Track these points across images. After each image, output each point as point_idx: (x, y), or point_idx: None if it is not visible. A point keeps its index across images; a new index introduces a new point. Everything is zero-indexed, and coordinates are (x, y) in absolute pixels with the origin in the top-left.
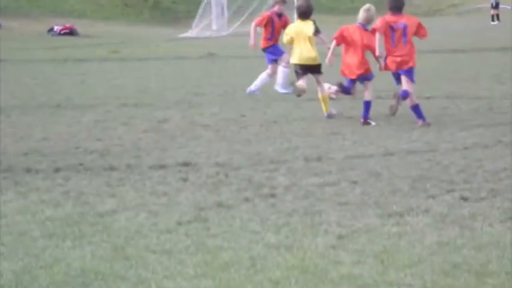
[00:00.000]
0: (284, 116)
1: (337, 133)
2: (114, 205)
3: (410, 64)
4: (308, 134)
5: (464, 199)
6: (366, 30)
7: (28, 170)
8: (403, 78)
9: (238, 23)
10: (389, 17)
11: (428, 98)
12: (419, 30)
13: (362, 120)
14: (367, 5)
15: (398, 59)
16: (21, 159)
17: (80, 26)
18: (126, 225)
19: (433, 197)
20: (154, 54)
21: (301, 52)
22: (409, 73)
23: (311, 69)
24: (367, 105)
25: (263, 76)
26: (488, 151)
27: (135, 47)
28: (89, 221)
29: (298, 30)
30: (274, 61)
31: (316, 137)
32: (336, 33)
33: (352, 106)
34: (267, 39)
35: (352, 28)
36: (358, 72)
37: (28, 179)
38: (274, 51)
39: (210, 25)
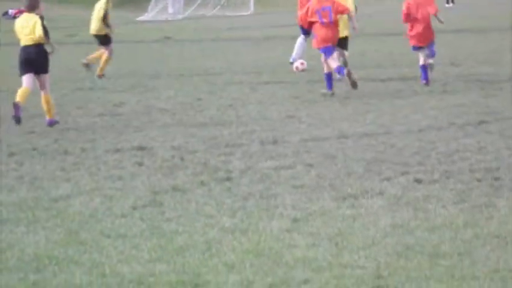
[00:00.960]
0: (240, 99)
1: (293, 116)
2: (69, 190)
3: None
4: (264, 117)
5: (418, 181)
6: None
7: None
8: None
9: (195, 6)
10: None
11: (383, 80)
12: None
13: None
14: None
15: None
16: None
17: None
18: (81, 209)
19: (387, 179)
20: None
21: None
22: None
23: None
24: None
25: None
26: (441, 133)
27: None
28: (43, 205)
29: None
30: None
31: (272, 121)
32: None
33: (309, 89)
34: None
35: None
36: None
37: None
38: None
39: (166, 8)
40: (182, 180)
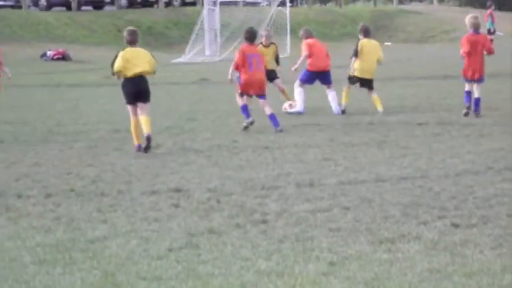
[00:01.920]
0: (276, 141)
1: (329, 159)
2: (105, 231)
3: None
4: (300, 160)
5: (456, 226)
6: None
7: (19, 196)
8: None
9: (231, 48)
10: None
11: (420, 124)
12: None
13: None
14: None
15: None
16: (13, 185)
17: (72, 51)
18: (117, 251)
19: (424, 223)
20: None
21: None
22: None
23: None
24: None
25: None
26: (479, 177)
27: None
28: (79, 247)
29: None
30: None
31: (308, 163)
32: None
33: (345, 132)
34: None
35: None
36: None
37: (19, 204)
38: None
39: (203, 50)
40: (218, 223)
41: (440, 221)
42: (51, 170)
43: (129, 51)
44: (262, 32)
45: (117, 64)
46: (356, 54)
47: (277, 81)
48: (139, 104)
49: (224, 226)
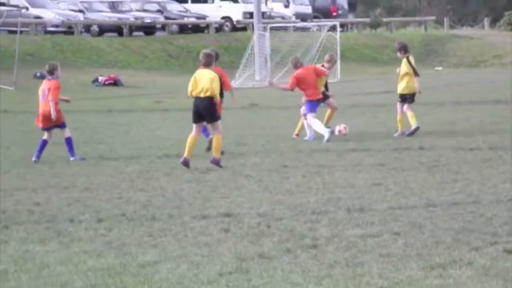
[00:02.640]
0: (326, 166)
1: (380, 184)
2: (156, 256)
3: None
4: (350, 184)
5: (508, 252)
6: None
7: (71, 220)
8: None
9: (282, 73)
10: None
11: (471, 149)
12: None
13: None
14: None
15: None
16: (65, 210)
17: (124, 76)
18: (168, 276)
19: (476, 249)
20: None
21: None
22: None
23: None
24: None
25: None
26: None
27: (178, 98)
28: (130, 271)
29: None
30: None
31: (359, 188)
32: None
33: (396, 157)
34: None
35: None
36: None
37: (71, 229)
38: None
39: (253, 75)
40: (268, 248)
41: (492, 247)
42: (102, 195)
43: (199, 72)
44: (326, 57)
45: (189, 85)
46: (416, 72)
47: (331, 100)
48: (208, 125)
49: (274, 251)
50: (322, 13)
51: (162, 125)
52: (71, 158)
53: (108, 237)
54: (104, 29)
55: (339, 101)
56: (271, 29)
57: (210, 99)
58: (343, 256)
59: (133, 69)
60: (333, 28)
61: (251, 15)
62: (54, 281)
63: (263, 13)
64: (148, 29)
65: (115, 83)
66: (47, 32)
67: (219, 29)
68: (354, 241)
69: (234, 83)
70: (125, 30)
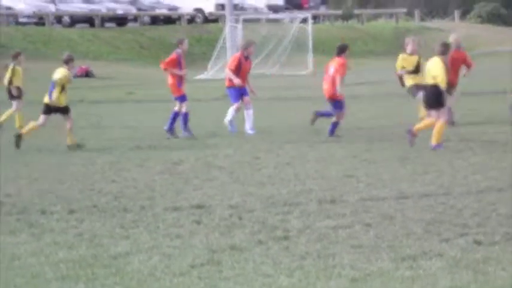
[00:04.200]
0: (298, 157)
1: (351, 175)
2: (128, 247)
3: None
4: (322, 176)
5: (478, 243)
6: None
7: (42, 212)
8: None
9: (253, 65)
10: None
11: (442, 141)
12: None
13: None
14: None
15: None
16: (36, 201)
17: (95, 67)
18: (140, 267)
19: (446, 240)
20: (170, 96)
21: None
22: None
23: None
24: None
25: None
26: (502, 194)
27: (150, 89)
28: (102, 263)
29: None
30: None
31: (330, 179)
32: None
33: (367, 148)
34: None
35: None
36: None
37: (42, 220)
38: (236, 91)
39: (225, 67)
40: (240, 239)
41: (462, 238)
42: (74, 186)
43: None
44: (407, 40)
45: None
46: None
47: None
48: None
49: (246, 243)
50: (294, 5)
51: (134, 116)
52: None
53: (79, 228)
54: (75, 20)
55: (312, 93)
56: (244, 20)
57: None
58: (315, 247)
59: (105, 60)
60: (305, 20)
61: (223, 6)
62: (25, 272)
63: (235, 5)
64: (120, 20)
65: (87, 74)
66: (18, 23)
67: (191, 20)
68: (326, 232)
69: (207, 75)
70: (97, 22)
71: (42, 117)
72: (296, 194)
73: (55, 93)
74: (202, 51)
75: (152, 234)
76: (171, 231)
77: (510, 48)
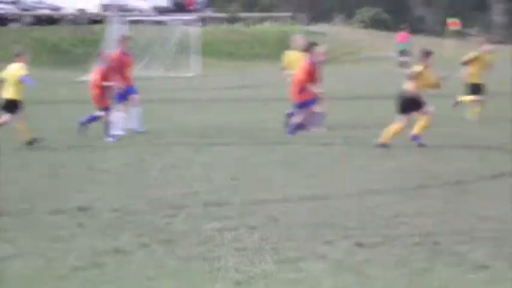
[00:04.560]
0: (184, 160)
1: (237, 178)
2: (9, 251)
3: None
4: (208, 179)
5: (360, 245)
6: None
7: None
8: None
9: (139, 66)
10: None
11: (325, 144)
12: None
13: None
14: None
15: None
16: None
17: None
18: (21, 271)
19: (329, 243)
20: (53, 97)
21: None
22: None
23: None
24: None
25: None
26: (383, 197)
27: (31, 91)
28: None
29: None
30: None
31: (216, 182)
32: None
33: (254, 152)
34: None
35: None
36: None
37: None
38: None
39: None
40: (123, 242)
41: (345, 241)
42: None
43: None
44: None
45: None
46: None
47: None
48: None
49: (130, 245)
50: (179, 7)
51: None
52: None
53: None
54: None
55: (198, 95)
56: (129, 22)
57: None
58: (200, 250)
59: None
60: (191, 22)
61: (107, 7)
62: None
63: (120, 6)
64: (1, 20)
65: None
66: None
67: (75, 20)
68: (211, 235)
69: (88, 77)
70: None
71: None
72: (182, 196)
73: None
74: (86, 51)
75: (34, 237)
76: (53, 234)
77: (392, 53)
